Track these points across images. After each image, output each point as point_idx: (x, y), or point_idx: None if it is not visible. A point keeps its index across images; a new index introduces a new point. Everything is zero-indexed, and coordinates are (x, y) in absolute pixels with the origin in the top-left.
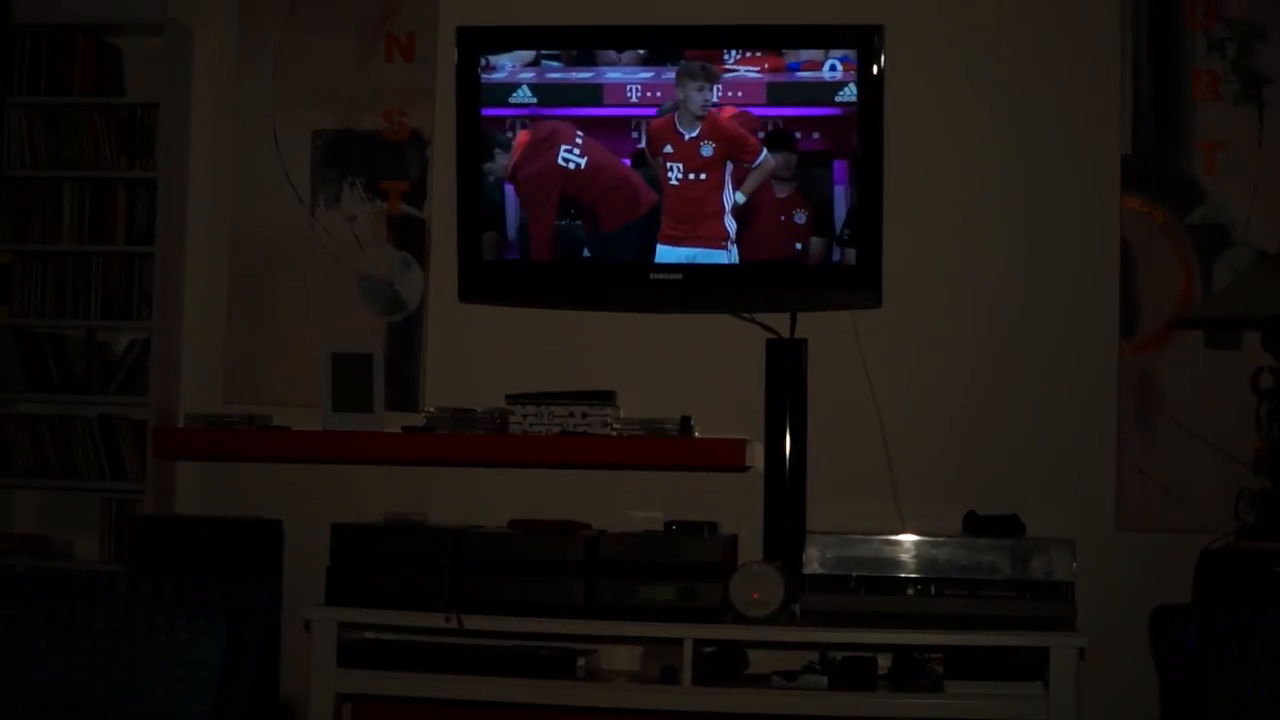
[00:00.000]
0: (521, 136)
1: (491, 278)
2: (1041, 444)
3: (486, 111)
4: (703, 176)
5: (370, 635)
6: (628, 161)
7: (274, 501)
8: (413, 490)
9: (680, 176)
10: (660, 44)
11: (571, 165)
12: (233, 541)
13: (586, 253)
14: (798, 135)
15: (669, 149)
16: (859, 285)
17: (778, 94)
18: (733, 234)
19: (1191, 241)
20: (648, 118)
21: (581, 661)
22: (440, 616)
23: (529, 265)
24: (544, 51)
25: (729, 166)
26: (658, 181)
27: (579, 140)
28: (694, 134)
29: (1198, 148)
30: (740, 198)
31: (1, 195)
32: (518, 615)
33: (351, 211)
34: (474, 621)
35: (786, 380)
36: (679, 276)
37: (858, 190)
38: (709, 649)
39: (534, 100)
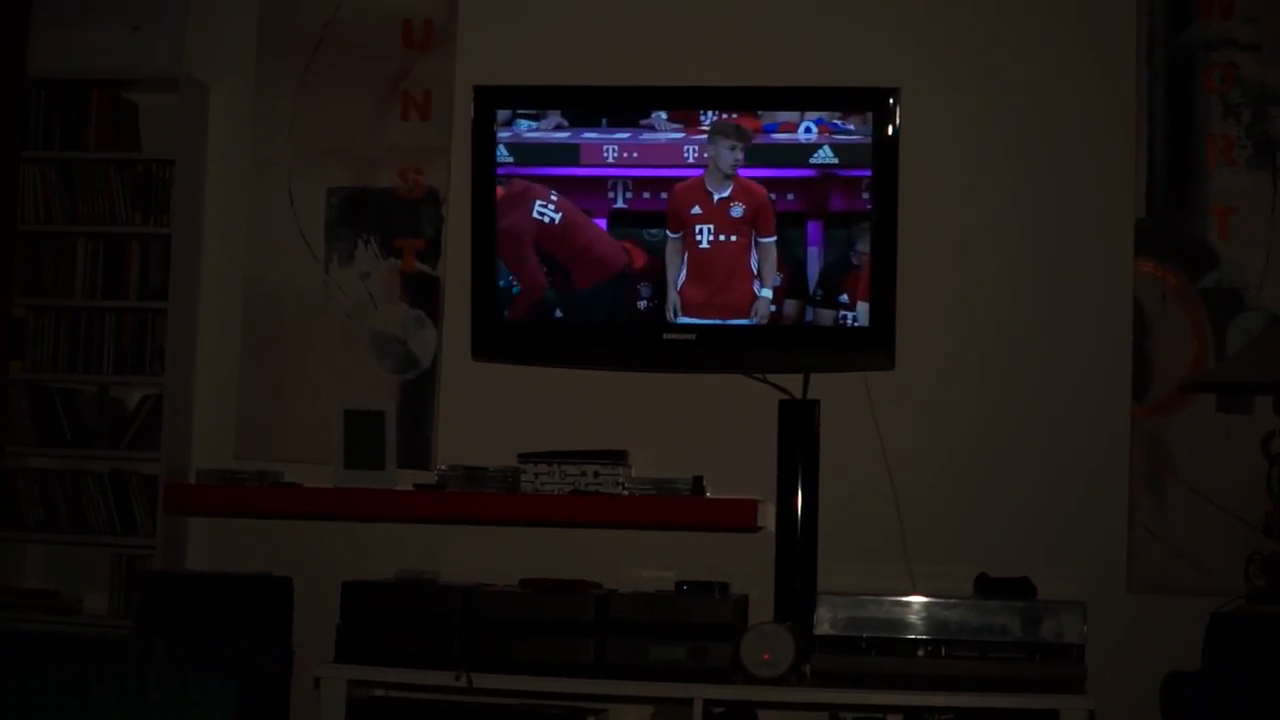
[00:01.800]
0: (497, 192)
1: (505, 336)
2: (1053, 506)
3: (501, 170)
4: (733, 238)
5: (380, 693)
6: (603, 222)
7: (285, 558)
8: (424, 548)
9: (711, 238)
10: (685, 104)
11: (546, 219)
12: (243, 598)
13: (559, 313)
14: (773, 197)
15: (697, 210)
16: (872, 347)
17: (753, 156)
18: (759, 301)
19: (1204, 305)
20: (670, 179)
21: None
22: (450, 675)
23: (543, 324)
24: (519, 111)
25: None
26: (682, 246)
27: (553, 197)
28: (724, 194)
29: (1211, 212)
30: (767, 293)
31: (15, 249)
32: (528, 674)
33: (366, 269)
34: (484, 680)
35: (799, 441)
36: (692, 337)
37: (873, 253)
38: (719, 709)
39: (510, 159)
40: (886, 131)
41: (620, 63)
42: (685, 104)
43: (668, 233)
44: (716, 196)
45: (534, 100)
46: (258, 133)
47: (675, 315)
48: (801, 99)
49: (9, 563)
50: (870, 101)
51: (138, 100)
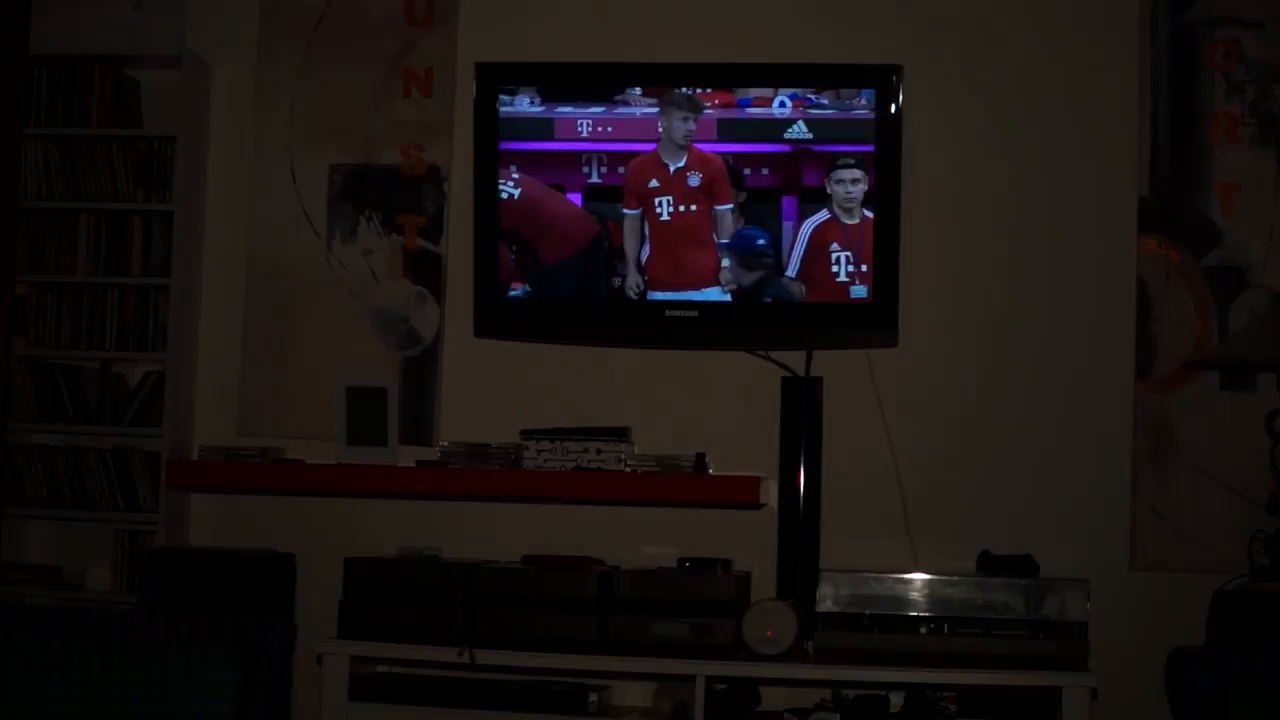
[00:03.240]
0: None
1: (507, 313)
2: (1056, 484)
3: (504, 146)
4: (693, 208)
5: (382, 669)
6: (577, 197)
7: (287, 534)
8: (426, 524)
9: (671, 210)
10: (706, 81)
11: (505, 195)
12: (246, 574)
13: (528, 288)
14: (747, 171)
15: (655, 183)
16: (876, 324)
17: (727, 130)
18: (724, 269)
19: (1208, 283)
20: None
21: (593, 698)
22: (453, 651)
23: (545, 302)
24: (500, 86)
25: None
26: (644, 221)
27: (514, 175)
28: (680, 164)
29: (1215, 190)
30: (728, 262)
31: (18, 226)
32: (530, 650)
33: (368, 246)
34: (486, 656)
35: (801, 418)
36: (695, 314)
37: (876, 230)
38: (721, 686)
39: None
40: (890, 109)
41: (623, 39)
42: (699, 80)
43: (624, 210)
44: (673, 167)
45: (536, 78)
46: (260, 110)
47: (636, 292)
48: (800, 76)
49: (12, 538)
50: (873, 79)
51: (140, 77)
